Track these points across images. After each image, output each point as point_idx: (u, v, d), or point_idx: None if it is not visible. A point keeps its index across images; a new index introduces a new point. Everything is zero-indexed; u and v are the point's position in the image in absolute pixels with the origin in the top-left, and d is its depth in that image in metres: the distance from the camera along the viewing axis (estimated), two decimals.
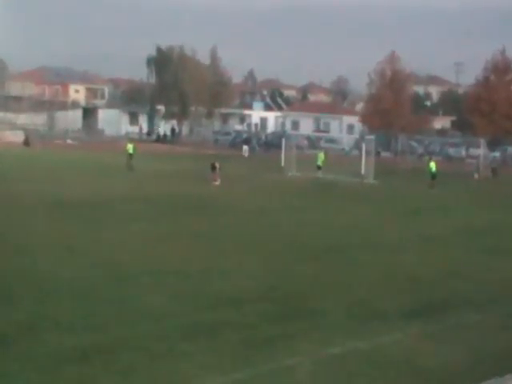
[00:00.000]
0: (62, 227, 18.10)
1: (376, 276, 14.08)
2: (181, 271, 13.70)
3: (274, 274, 13.95)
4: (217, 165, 31.38)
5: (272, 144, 59.19)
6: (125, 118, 75.82)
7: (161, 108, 70.48)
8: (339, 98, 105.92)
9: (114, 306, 11.09)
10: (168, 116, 69.27)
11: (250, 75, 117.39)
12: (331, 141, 62.55)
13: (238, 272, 13.85)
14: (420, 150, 58.87)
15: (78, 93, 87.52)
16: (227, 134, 69.64)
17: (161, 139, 66.90)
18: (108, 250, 15.53)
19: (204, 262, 14.71)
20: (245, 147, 54.95)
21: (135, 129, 71.97)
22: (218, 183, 30.78)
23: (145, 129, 73.98)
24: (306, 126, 72.25)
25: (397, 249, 17.22)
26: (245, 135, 63.42)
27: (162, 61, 68.09)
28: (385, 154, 58.37)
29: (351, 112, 78.97)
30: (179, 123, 70.28)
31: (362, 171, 36.25)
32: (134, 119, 76.22)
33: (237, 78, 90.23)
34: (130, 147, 38.35)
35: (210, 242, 17.01)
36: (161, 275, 13.30)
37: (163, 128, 70.33)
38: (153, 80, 70.16)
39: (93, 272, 13.32)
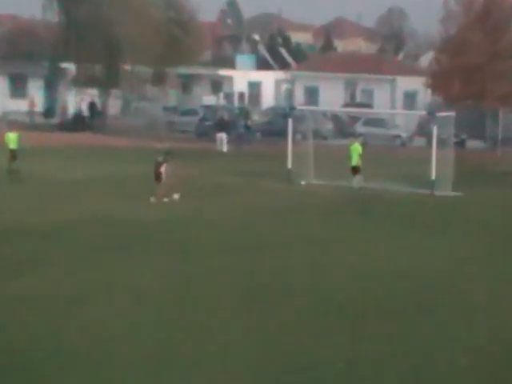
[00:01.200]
0: None
1: (468, 350, 14.47)
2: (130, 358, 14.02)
3: (294, 349, 14.47)
4: (162, 168, 31.55)
5: (270, 129, 59.43)
6: (2, 86, 76.05)
7: (69, 67, 70.94)
8: (390, 47, 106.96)
9: None
10: (82, 81, 69.52)
11: (231, 8, 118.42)
12: (376, 122, 62.91)
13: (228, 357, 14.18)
14: None
15: None
16: (190, 112, 70.11)
17: (70, 123, 67.07)
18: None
19: (160, 333, 15.20)
20: (221, 135, 55.15)
21: (21, 105, 72.10)
22: (176, 197, 31.18)
23: (40, 105, 74.09)
24: (331, 95, 72.80)
25: (493, 310, 17.66)
26: (222, 114, 63.69)
27: None
28: (474, 144, 58.67)
29: (411, 71, 79.57)
30: (103, 94, 70.67)
31: (433, 176, 36.50)
32: (19, 88, 76.49)
33: (207, 13, 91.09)
34: (11, 138, 38.70)
35: (165, 299, 17.53)
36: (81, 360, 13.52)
37: (74, 103, 70.54)
38: (54, 18, 70.66)
39: None
